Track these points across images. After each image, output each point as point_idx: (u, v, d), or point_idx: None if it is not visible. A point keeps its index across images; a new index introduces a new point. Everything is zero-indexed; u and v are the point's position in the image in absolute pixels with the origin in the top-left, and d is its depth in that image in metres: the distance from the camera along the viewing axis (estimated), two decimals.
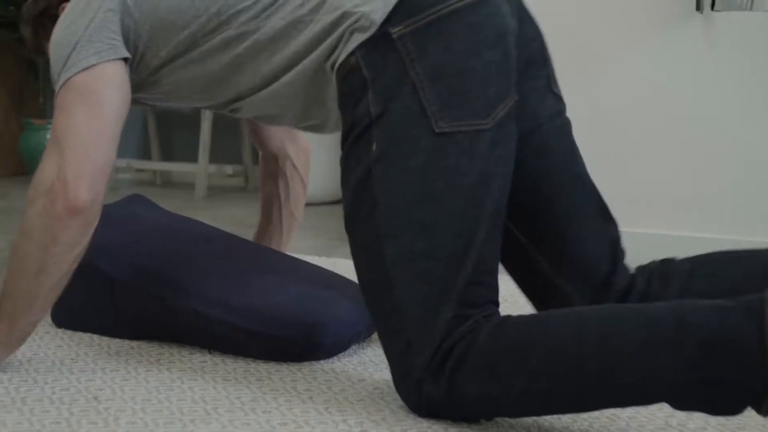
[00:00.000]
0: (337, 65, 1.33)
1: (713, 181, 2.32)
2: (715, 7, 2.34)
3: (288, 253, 1.93)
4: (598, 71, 2.38)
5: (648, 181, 2.36)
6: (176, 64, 1.49)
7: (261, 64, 1.43)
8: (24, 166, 4.66)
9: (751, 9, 2.32)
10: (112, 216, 1.78)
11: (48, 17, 1.71)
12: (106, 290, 1.69)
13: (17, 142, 4.66)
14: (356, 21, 1.31)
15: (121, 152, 4.84)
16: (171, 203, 3.98)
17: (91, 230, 1.42)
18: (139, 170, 4.84)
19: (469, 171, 1.24)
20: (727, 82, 2.31)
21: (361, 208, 1.29)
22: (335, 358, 1.59)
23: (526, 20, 1.39)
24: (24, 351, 1.61)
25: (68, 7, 1.53)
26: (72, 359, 1.57)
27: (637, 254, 1.69)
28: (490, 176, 1.26)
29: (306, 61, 1.39)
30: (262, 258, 1.75)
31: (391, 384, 1.44)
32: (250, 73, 1.45)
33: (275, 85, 1.43)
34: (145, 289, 1.65)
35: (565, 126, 1.43)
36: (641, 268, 1.44)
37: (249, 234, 2.72)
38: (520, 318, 1.21)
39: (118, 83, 1.45)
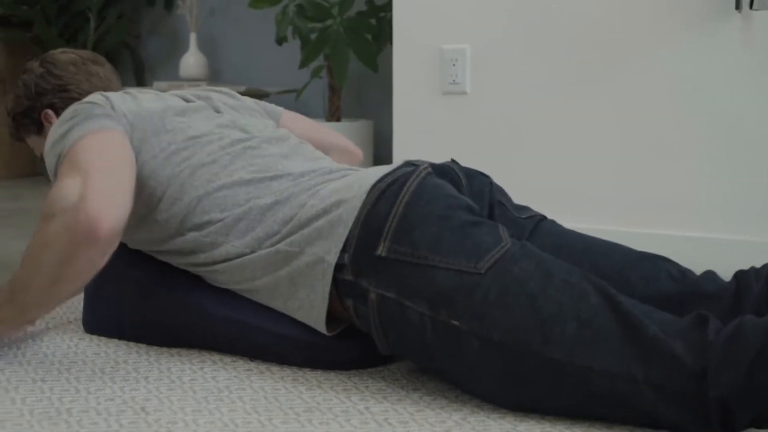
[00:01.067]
0: None
1: (748, 184, 2.26)
2: (754, 6, 2.28)
3: None
4: (632, 70, 2.33)
5: (681, 182, 2.31)
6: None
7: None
8: (36, 166, 4.61)
9: None
10: None
11: (29, 118, 1.79)
12: (142, 298, 1.63)
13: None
14: None
15: None
16: None
17: (110, 253, 1.41)
18: None
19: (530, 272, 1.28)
20: (765, 82, 2.26)
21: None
22: (383, 366, 1.54)
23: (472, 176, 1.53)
24: (61, 359, 1.56)
25: (60, 119, 1.56)
26: (112, 367, 1.52)
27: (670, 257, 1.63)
28: (543, 260, 1.30)
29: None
30: None
31: (451, 393, 1.39)
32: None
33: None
34: (182, 297, 1.60)
35: (542, 220, 1.55)
36: (750, 274, 1.42)
37: None
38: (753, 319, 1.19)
39: (124, 144, 1.50)
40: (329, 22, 3.34)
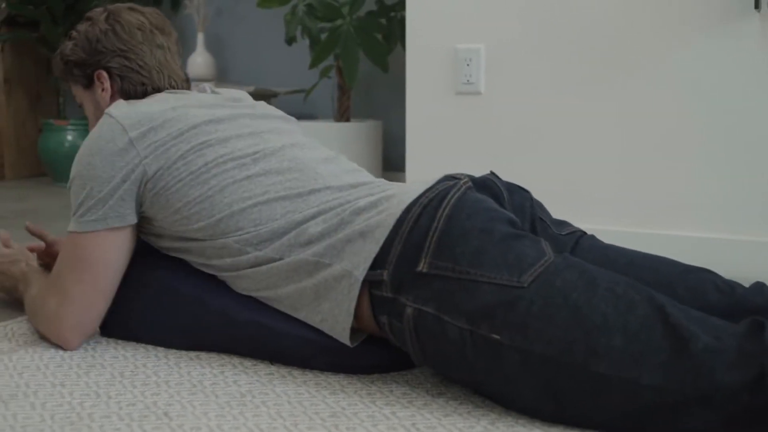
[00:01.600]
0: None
1: (765, 184, 2.24)
2: None
3: None
4: (648, 70, 2.31)
5: (697, 183, 2.29)
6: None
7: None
8: (42, 167, 4.59)
9: None
10: None
11: (81, 71, 1.74)
12: (164, 301, 1.61)
13: (34, 143, 4.59)
14: None
15: None
16: None
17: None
18: None
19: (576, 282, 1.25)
20: None
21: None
22: (406, 370, 1.52)
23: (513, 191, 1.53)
24: (78, 362, 1.54)
25: (96, 129, 1.58)
26: (131, 371, 1.50)
27: (683, 257, 1.61)
28: (586, 270, 1.28)
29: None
30: None
31: (477, 398, 1.37)
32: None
33: None
34: (205, 301, 1.58)
35: (582, 236, 1.53)
36: None
37: None
38: None
39: (121, 246, 1.57)
40: (339, 21, 3.32)
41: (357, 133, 3.54)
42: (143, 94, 1.71)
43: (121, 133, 1.55)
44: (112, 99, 1.72)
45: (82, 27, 1.74)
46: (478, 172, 1.62)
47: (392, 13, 3.40)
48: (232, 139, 1.59)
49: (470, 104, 2.54)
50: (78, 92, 1.78)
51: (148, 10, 1.76)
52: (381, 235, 1.38)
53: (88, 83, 1.75)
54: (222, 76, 4.29)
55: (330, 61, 3.51)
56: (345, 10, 3.32)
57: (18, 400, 1.36)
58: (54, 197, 3.92)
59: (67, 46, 1.74)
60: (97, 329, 1.68)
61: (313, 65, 3.34)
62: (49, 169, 4.36)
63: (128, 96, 1.71)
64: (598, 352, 1.19)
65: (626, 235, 2.31)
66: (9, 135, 4.58)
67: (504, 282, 1.26)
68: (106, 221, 1.54)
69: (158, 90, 1.71)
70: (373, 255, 1.37)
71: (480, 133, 2.52)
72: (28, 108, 4.65)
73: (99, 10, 1.75)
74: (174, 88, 1.73)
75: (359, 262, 1.38)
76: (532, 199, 1.53)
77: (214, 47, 4.30)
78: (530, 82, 2.45)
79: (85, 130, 4.25)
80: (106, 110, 1.61)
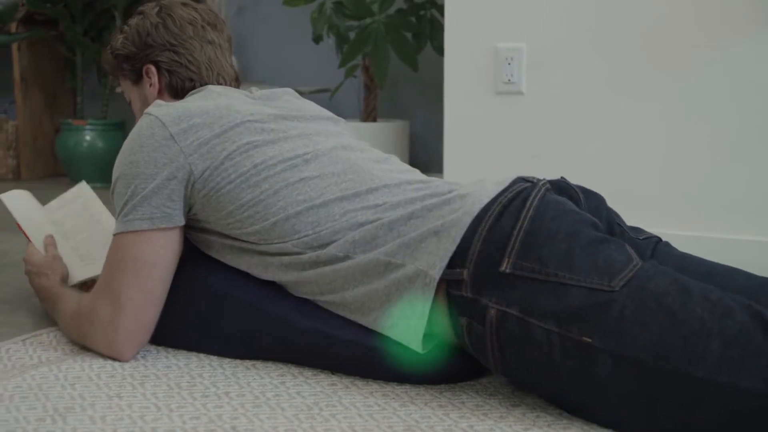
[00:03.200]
0: None
1: None
2: None
3: None
4: (698, 67, 2.25)
5: (748, 185, 2.23)
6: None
7: None
8: (60, 167, 4.53)
9: None
10: None
11: (130, 65, 1.71)
12: (219, 308, 1.55)
13: (51, 143, 4.53)
14: None
15: None
16: None
17: None
18: None
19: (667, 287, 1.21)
20: None
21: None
22: (473, 380, 1.46)
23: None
24: (131, 372, 1.48)
25: (135, 129, 1.54)
26: (188, 382, 1.44)
27: (745, 263, 1.56)
28: (678, 276, 1.24)
29: None
30: None
31: (554, 410, 1.31)
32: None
33: None
34: (262, 307, 1.52)
35: (659, 242, 1.48)
36: None
37: None
38: None
39: (168, 247, 1.51)
40: (369, 20, 3.27)
41: (384, 133, 3.48)
42: (191, 91, 1.66)
43: (161, 128, 1.51)
44: (159, 95, 1.68)
45: (133, 21, 1.70)
46: (519, 173, 1.56)
47: (422, 12, 3.34)
48: (280, 141, 1.53)
49: (511, 104, 2.48)
50: (126, 88, 1.74)
51: (201, 6, 1.72)
52: (457, 234, 1.33)
53: (137, 78, 1.70)
54: (243, 75, 4.23)
55: (356, 60, 3.46)
56: (375, 7, 3.26)
57: (75, 414, 1.30)
58: None
59: (118, 39, 1.70)
60: None
61: (343, 64, 3.29)
62: (67, 169, 4.30)
63: (175, 92, 1.67)
64: (695, 357, 1.14)
65: (671, 237, 2.25)
66: (26, 134, 4.52)
67: (594, 286, 1.22)
68: (152, 221, 1.49)
69: None
70: (450, 254, 1.32)
71: (521, 134, 2.46)
72: (44, 107, 4.59)
73: (151, 4, 1.71)
74: (222, 86, 1.68)
75: (435, 261, 1.33)
76: (605, 202, 1.48)
77: (235, 46, 4.24)
78: (574, 82, 2.39)
79: (103, 130, 4.20)
80: (145, 111, 1.56)
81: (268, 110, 1.59)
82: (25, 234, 1.87)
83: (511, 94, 2.47)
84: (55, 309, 1.68)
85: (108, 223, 1.88)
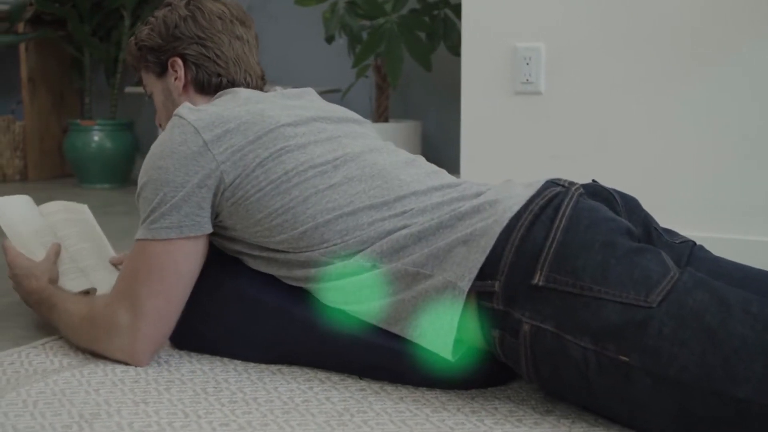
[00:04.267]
0: None
1: None
2: None
3: None
4: (716, 70, 2.23)
5: None
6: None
7: None
8: (67, 168, 4.50)
9: None
10: None
11: (155, 57, 1.67)
12: (245, 311, 1.53)
13: (58, 143, 4.51)
14: None
15: None
16: None
17: None
18: None
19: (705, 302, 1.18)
20: None
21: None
22: (504, 386, 1.44)
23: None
24: (155, 377, 1.46)
25: (166, 132, 1.51)
26: (214, 387, 1.42)
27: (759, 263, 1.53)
28: (716, 288, 1.21)
29: None
30: None
31: (589, 416, 1.28)
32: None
33: None
34: (290, 311, 1.49)
35: (694, 246, 1.45)
36: None
37: None
38: None
39: (194, 255, 1.49)
40: (382, 20, 3.24)
41: (396, 133, 3.45)
42: (217, 87, 1.63)
43: (194, 134, 1.47)
44: (185, 89, 1.65)
45: (160, 12, 1.66)
46: (538, 175, 1.54)
47: (435, 12, 3.32)
48: (310, 145, 1.51)
49: (530, 105, 2.45)
50: (149, 81, 1.70)
51: (230, 1, 1.69)
52: (487, 244, 1.30)
53: (162, 71, 1.67)
54: None
55: (368, 60, 3.43)
56: (388, 7, 3.24)
57: (102, 420, 1.28)
58: (80, 199, 3.84)
59: (143, 31, 1.67)
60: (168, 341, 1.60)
61: (356, 64, 3.26)
62: (75, 170, 4.28)
63: (201, 87, 1.64)
64: (737, 378, 1.11)
65: (694, 239, 2.23)
66: (33, 135, 4.49)
67: (631, 301, 1.18)
68: (180, 229, 1.46)
69: (233, 84, 1.63)
70: (479, 265, 1.29)
71: (540, 135, 2.44)
72: (51, 108, 4.57)
73: None
74: (249, 83, 1.65)
75: (464, 272, 1.30)
76: (641, 205, 1.46)
77: None
78: (593, 81, 2.36)
79: (112, 130, 4.17)
80: (175, 112, 1.53)
81: (298, 111, 1.56)
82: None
83: (530, 94, 2.45)
84: (53, 311, 1.62)
85: (104, 241, 1.85)
